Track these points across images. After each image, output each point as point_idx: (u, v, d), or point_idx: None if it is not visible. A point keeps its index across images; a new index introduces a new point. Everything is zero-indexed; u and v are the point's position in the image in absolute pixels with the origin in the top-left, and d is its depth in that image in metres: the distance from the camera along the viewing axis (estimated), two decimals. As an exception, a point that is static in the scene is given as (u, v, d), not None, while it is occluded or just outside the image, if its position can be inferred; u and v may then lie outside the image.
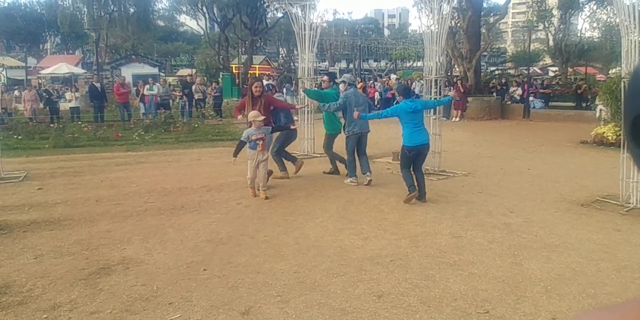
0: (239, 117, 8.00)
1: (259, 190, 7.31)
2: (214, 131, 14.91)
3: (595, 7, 38.25)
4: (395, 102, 21.14)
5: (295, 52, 43.07)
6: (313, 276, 4.43)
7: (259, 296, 4.03)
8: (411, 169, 7.06)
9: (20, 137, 13.57)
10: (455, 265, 4.66)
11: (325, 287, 4.19)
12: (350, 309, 3.80)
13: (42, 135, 14.01)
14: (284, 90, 22.85)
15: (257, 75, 27.78)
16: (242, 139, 7.43)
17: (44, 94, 20.31)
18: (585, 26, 46.03)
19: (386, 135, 14.39)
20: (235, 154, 7.42)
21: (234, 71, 32.86)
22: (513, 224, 5.99)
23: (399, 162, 7.56)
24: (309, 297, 4.01)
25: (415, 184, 6.91)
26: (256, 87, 7.72)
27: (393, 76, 28.28)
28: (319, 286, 4.22)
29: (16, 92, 22.07)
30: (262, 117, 7.25)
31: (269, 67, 41.40)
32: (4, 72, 30.76)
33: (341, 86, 8.42)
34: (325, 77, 9.28)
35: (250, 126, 7.36)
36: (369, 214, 6.42)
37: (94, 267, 4.68)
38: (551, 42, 38.15)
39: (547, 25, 37.92)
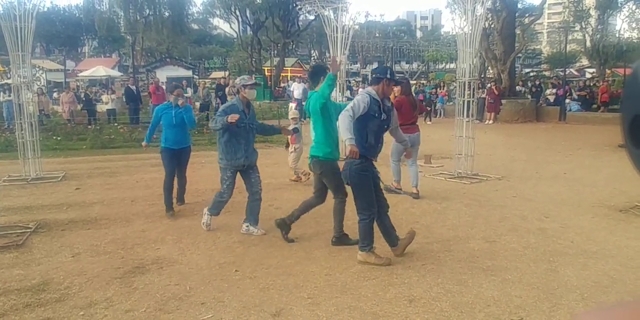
0: None
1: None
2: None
3: (634, 7, 37.34)
4: (425, 104, 20.91)
5: (327, 54, 43.16)
6: (344, 279, 4.43)
7: (290, 298, 4.05)
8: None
9: (59, 138, 13.95)
10: (488, 271, 4.59)
11: (356, 290, 4.18)
12: (382, 313, 3.78)
13: (80, 136, 14.39)
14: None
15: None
16: None
17: (83, 97, 20.90)
18: (624, 26, 45.04)
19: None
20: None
21: (266, 73, 33.16)
22: (548, 229, 5.86)
23: None
24: (340, 300, 4.01)
25: None
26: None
27: None
28: (350, 289, 4.21)
29: (55, 95, 22.73)
30: None
31: (301, 69, 41.62)
32: (43, 75, 31.73)
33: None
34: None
35: None
36: (400, 217, 6.37)
37: (129, 266, 4.77)
38: (588, 43, 37.31)
39: (584, 26, 37.14)
